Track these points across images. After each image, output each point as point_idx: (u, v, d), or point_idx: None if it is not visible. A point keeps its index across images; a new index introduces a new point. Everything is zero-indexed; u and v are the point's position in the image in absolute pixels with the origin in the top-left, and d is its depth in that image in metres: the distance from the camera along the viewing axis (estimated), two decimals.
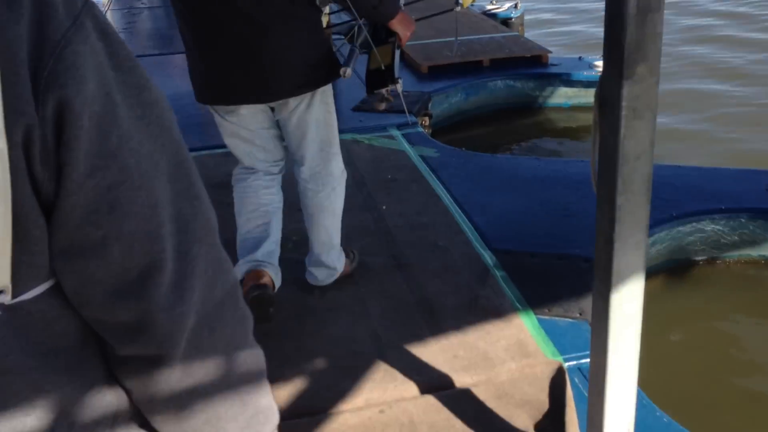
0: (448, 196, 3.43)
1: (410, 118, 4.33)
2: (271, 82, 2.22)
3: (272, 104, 2.34)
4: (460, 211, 3.27)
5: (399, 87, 2.41)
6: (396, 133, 4.29)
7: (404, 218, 3.21)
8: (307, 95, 2.30)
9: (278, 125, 2.44)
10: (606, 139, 1.46)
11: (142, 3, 9.31)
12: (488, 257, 2.90)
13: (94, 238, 0.55)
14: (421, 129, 4.40)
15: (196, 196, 0.65)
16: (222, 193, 3.46)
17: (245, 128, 2.40)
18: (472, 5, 8.01)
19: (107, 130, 0.55)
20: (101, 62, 0.56)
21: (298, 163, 2.48)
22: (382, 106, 2.29)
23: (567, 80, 5.48)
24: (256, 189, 2.54)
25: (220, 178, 3.64)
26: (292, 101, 2.30)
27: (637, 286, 1.53)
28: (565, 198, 3.39)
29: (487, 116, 5.55)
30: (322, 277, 2.67)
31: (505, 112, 5.58)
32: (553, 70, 5.56)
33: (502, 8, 7.86)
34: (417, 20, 2.56)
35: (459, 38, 6.19)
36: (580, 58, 5.77)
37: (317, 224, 2.55)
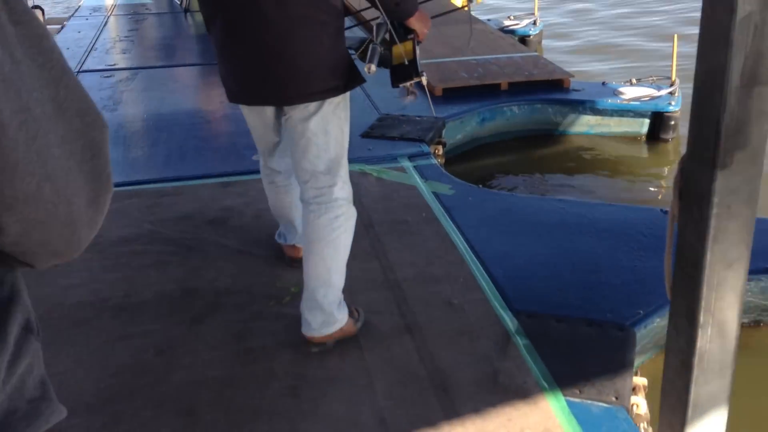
0: (464, 242, 3.11)
1: (434, 117, 4.22)
2: (289, 86, 2.21)
3: (287, 109, 2.29)
4: (476, 261, 2.96)
5: (424, 80, 2.36)
6: (407, 164, 3.99)
7: (415, 269, 2.90)
8: (321, 103, 2.25)
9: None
10: (687, 239, 1.14)
11: (147, 9, 9.05)
12: (509, 320, 2.58)
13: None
14: (434, 160, 4.09)
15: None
16: (218, 230, 3.18)
17: (269, 124, 2.48)
18: (489, 20, 7.74)
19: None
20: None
21: (300, 180, 2.37)
22: (408, 98, 2.38)
23: (590, 107, 5.17)
24: (275, 190, 2.68)
25: (215, 213, 3.36)
26: (303, 107, 2.24)
27: (719, 419, 1.22)
28: (593, 249, 3.08)
29: (505, 144, 5.25)
30: (316, 324, 2.37)
31: (524, 140, 5.28)
32: (576, 96, 5.26)
33: (521, 24, 7.57)
34: (432, 17, 2.53)
35: (476, 57, 5.92)
36: (603, 83, 5.47)
37: (315, 255, 2.34)
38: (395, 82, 2.37)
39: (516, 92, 5.32)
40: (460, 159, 5.00)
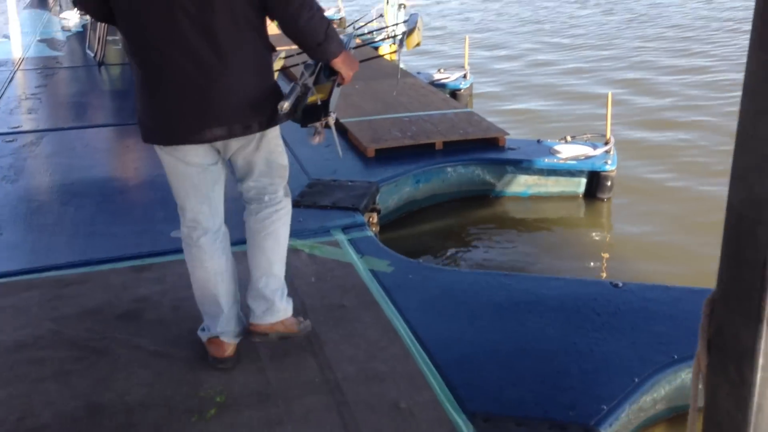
0: (408, 330, 2.87)
1: (367, 181, 4.13)
2: (230, 120, 2.30)
3: (218, 145, 2.39)
4: (423, 352, 2.72)
5: (331, 120, 2.41)
6: (342, 237, 3.74)
7: (356, 365, 2.63)
8: (256, 135, 2.39)
9: (225, 166, 2.51)
10: (721, 405, 0.93)
11: (58, 62, 8.59)
12: (463, 425, 2.34)
13: None
14: (369, 232, 3.86)
15: None
16: (130, 327, 2.82)
17: (190, 164, 2.39)
18: (418, 74, 7.66)
19: None
20: None
21: (242, 182, 2.52)
22: (316, 140, 2.46)
23: (527, 167, 5.08)
24: (201, 256, 2.49)
25: (126, 305, 3.01)
26: (244, 139, 2.38)
27: None
28: (544, 331, 2.89)
29: (441, 206, 5.09)
30: (260, 311, 2.52)
31: (460, 202, 5.13)
32: (512, 155, 5.16)
33: (451, 78, 7.52)
34: (361, 62, 2.63)
35: (409, 114, 5.79)
36: (538, 141, 5.40)
37: (258, 247, 2.52)
38: (303, 122, 2.42)
39: (451, 151, 5.18)
40: (395, 225, 4.80)
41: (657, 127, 6.32)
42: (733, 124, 0.97)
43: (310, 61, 2.45)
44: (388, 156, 5.05)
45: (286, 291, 2.59)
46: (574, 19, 11.47)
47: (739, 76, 5.17)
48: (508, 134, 5.37)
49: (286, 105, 2.30)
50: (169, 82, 2.26)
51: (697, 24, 10.64)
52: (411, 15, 5.56)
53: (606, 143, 5.12)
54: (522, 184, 5.17)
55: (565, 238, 4.88)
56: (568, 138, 5.36)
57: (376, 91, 6.59)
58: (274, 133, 2.46)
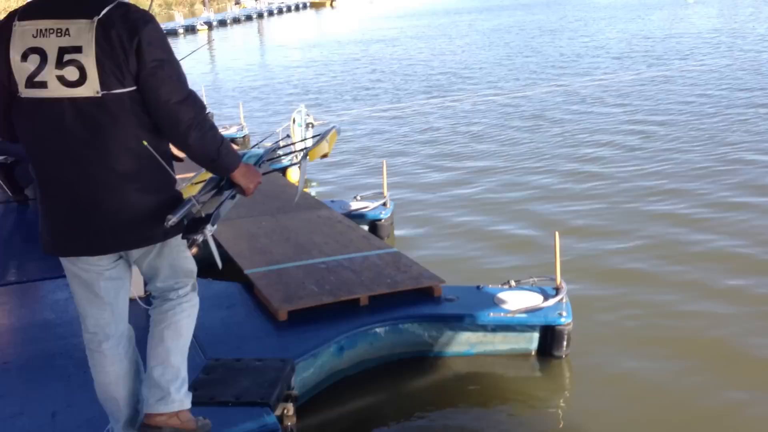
0: None
1: (280, 360, 3.46)
2: (114, 234, 2.45)
3: (131, 253, 2.55)
4: None
5: (208, 232, 2.46)
6: None
7: None
8: (164, 243, 2.55)
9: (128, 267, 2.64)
10: None
11: None
12: None
13: None
14: None
15: None
16: None
17: (90, 272, 2.52)
18: (332, 203, 7.05)
19: None
20: None
21: (148, 284, 2.70)
22: (193, 250, 2.52)
23: (469, 323, 4.43)
24: (103, 362, 2.60)
25: None
26: (146, 249, 2.53)
27: None
28: None
29: (370, 375, 4.35)
30: (153, 399, 2.58)
31: (393, 367, 4.41)
32: (450, 308, 4.51)
33: (370, 207, 6.93)
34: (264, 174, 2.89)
35: (326, 259, 5.11)
36: (478, 287, 4.78)
37: (156, 337, 2.61)
38: (184, 233, 2.48)
39: (379, 307, 4.49)
40: (315, 405, 4.01)
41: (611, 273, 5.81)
42: None
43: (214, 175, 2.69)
44: (304, 319, 4.31)
45: (186, 386, 2.67)
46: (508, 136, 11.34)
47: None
48: (443, 281, 4.74)
49: (173, 220, 2.42)
50: (65, 196, 2.43)
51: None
52: (332, 126, 5.06)
53: (557, 290, 4.56)
54: (465, 342, 4.51)
55: (517, 405, 4.20)
56: (512, 282, 4.78)
57: (285, 229, 5.90)
58: (177, 241, 2.56)
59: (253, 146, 8.60)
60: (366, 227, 6.79)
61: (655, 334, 4.77)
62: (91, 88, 2.33)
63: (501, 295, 4.61)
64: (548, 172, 8.70)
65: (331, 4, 72.90)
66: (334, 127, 4.34)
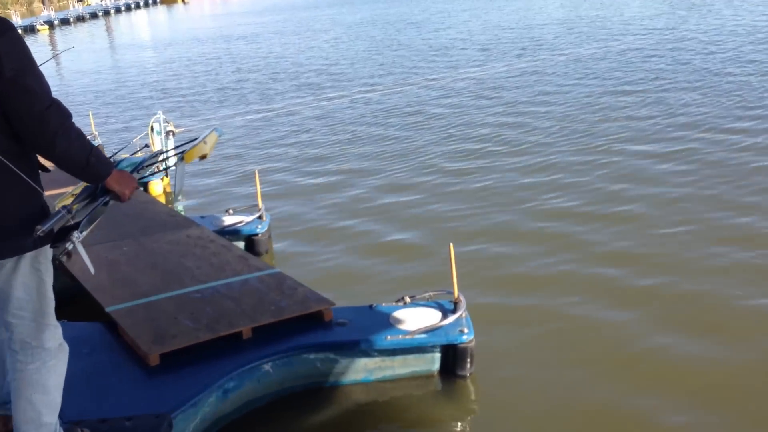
0: None
1: (154, 415, 3.22)
2: None
3: None
4: None
5: (75, 239, 2.53)
6: None
7: None
8: (17, 259, 2.51)
9: None
10: None
11: None
12: None
13: None
14: None
15: None
16: None
17: None
18: (203, 218, 6.57)
19: None
20: None
21: (7, 330, 2.60)
22: (64, 259, 2.52)
23: (366, 348, 4.14)
24: None
25: None
26: None
27: None
28: None
29: (259, 415, 3.96)
30: None
31: (284, 403, 4.05)
32: (343, 333, 4.20)
33: (245, 222, 6.50)
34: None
35: (201, 287, 4.67)
36: (371, 306, 4.51)
37: (24, 399, 2.60)
38: (52, 243, 2.54)
39: (264, 339, 4.11)
40: None
41: (510, 280, 5.65)
42: None
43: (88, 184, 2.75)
44: (180, 361, 3.86)
45: None
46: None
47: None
48: (333, 304, 4.42)
49: (41, 230, 2.45)
50: None
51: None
52: (212, 128, 4.62)
53: (455, 305, 4.36)
54: (362, 369, 4.21)
55: (422, 431, 3.97)
56: (407, 299, 4.53)
57: (151, 254, 5.38)
58: (37, 261, 2.56)
59: (110, 157, 7.93)
60: (242, 244, 6.37)
61: (562, 343, 4.66)
62: None
63: (397, 315, 4.36)
64: (434, 172, 8.51)
65: (183, 1, 70.63)
66: (214, 128, 4.07)
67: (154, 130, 8.57)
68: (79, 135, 2.52)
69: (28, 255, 2.52)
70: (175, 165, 3.54)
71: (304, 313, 4.31)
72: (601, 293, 5.26)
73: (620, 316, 4.95)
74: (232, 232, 6.31)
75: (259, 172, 6.99)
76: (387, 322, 4.29)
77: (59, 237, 2.55)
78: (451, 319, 4.23)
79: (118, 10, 61.02)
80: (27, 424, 2.59)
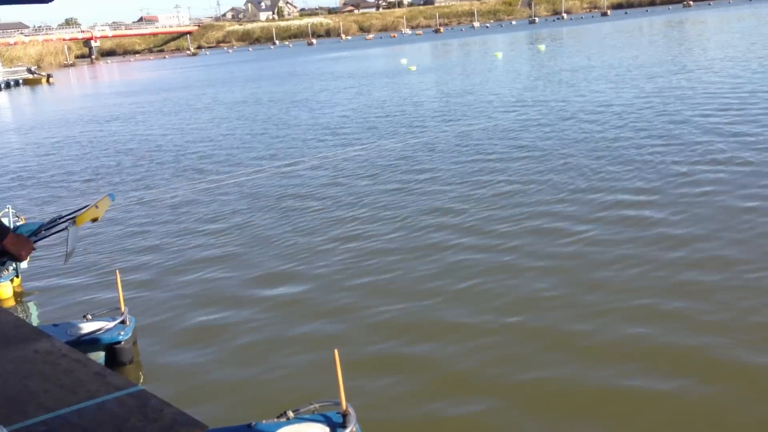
0: None
1: None
2: None
3: None
4: None
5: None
6: None
7: None
8: None
9: None
10: None
11: None
12: None
13: None
14: None
15: None
16: None
17: None
18: (56, 327, 5.95)
19: None
20: None
21: None
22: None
23: None
24: None
25: None
26: None
27: None
28: None
29: None
30: None
31: None
32: None
33: (106, 328, 5.92)
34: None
35: (47, 416, 4.08)
36: (250, 425, 4.08)
37: None
38: None
39: None
40: None
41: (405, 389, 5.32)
42: None
43: None
44: None
45: None
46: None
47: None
48: (205, 426, 3.95)
49: None
50: None
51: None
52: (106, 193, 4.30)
53: (344, 417, 4.00)
54: None
55: None
56: (290, 414, 4.14)
57: None
58: None
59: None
60: (102, 354, 5.79)
61: None
62: None
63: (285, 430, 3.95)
64: (319, 263, 8.19)
65: (47, 81, 68.62)
66: (108, 194, 4.17)
67: None
68: None
69: None
70: (66, 229, 3.46)
71: None
72: (512, 399, 5.04)
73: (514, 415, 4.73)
74: (90, 342, 5.73)
75: (123, 270, 6.47)
76: None
77: None
78: None
79: None
80: None
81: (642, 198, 9.41)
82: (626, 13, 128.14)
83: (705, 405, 4.57)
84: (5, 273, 3.38)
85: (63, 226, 3.72)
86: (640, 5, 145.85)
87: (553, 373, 5.13)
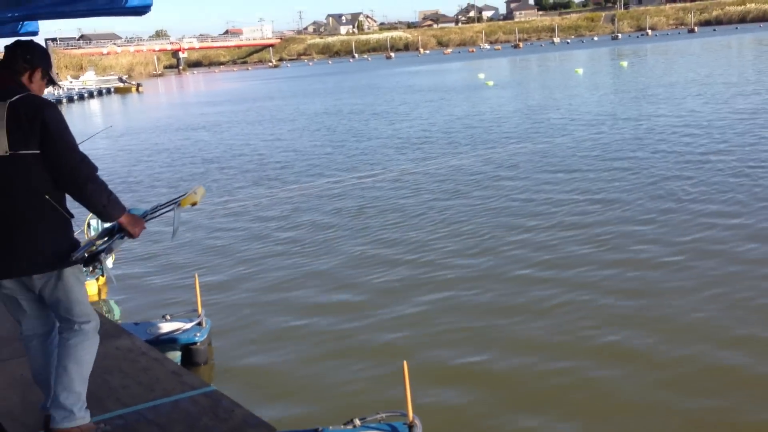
0: None
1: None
2: (20, 263, 3.38)
3: (26, 281, 3.46)
4: None
5: (103, 258, 3.57)
6: None
7: None
8: (54, 274, 3.44)
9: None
10: None
11: None
12: None
13: None
14: None
15: None
16: None
17: (16, 295, 3.54)
18: (136, 325, 6.15)
19: None
20: None
21: (56, 316, 3.61)
22: (92, 272, 3.90)
23: None
24: (35, 357, 3.71)
25: None
26: (44, 276, 3.43)
27: None
28: None
29: None
30: (59, 418, 3.48)
31: None
32: None
33: (182, 329, 6.09)
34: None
35: (124, 410, 4.23)
36: (317, 430, 4.12)
37: (61, 367, 3.50)
38: (85, 263, 3.55)
39: None
40: None
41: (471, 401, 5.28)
42: None
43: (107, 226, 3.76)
44: None
45: (85, 404, 3.62)
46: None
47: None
48: (274, 429, 4.02)
49: (76, 255, 3.44)
50: None
51: None
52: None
53: (410, 428, 4.00)
54: None
55: None
56: (357, 422, 4.17)
57: None
58: (73, 280, 3.50)
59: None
60: (178, 354, 5.95)
61: None
62: (2, 148, 3.34)
63: None
64: (393, 275, 8.23)
65: (137, 90, 71.20)
66: (201, 185, 4.57)
67: (90, 226, 8.20)
68: (102, 182, 3.44)
69: (68, 269, 3.45)
70: (173, 210, 4.00)
71: None
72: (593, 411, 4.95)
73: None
74: (168, 341, 5.90)
75: (202, 272, 6.66)
76: None
77: (90, 260, 3.54)
78: None
79: (71, 100, 61.15)
80: (60, 386, 3.46)
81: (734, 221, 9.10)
82: (714, 30, 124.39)
83: None
84: (95, 269, 3.90)
85: (170, 207, 4.06)
86: (730, 22, 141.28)
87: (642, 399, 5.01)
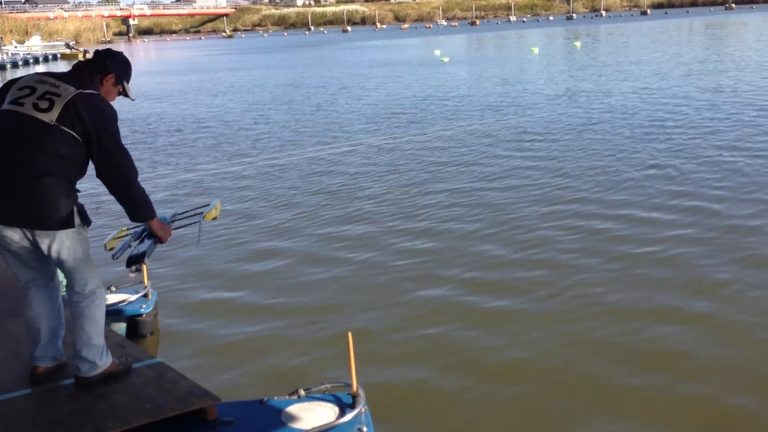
0: None
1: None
2: (25, 216, 3.66)
3: (30, 234, 3.74)
4: None
5: (144, 266, 4.50)
6: None
7: None
8: (63, 232, 3.73)
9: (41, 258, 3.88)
10: None
11: None
12: None
13: None
14: None
15: None
16: None
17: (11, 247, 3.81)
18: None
19: None
20: None
21: (66, 278, 3.92)
22: (133, 275, 4.20)
23: None
24: (32, 302, 4.00)
25: None
26: (44, 236, 3.73)
27: None
28: None
29: None
30: (85, 369, 3.97)
31: None
32: None
33: (128, 300, 6.06)
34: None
35: (67, 381, 4.21)
36: (262, 401, 4.17)
37: (77, 326, 3.92)
38: (128, 264, 4.10)
39: None
40: None
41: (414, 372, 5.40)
42: None
43: (138, 228, 4.33)
44: None
45: (104, 351, 4.04)
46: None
47: None
48: (218, 399, 4.06)
49: (118, 256, 4.26)
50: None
51: None
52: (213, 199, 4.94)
53: (354, 398, 4.07)
54: None
55: None
56: (302, 392, 4.22)
57: (15, 342, 4.87)
58: (76, 241, 3.79)
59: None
60: (123, 326, 5.93)
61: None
62: (50, 117, 3.62)
63: (290, 410, 4.04)
64: (343, 247, 8.30)
65: (84, 57, 69.36)
66: (218, 199, 4.96)
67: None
68: (142, 189, 3.91)
69: (72, 231, 3.73)
70: (198, 222, 4.63)
71: (184, 412, 3.92)
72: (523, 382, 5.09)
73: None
74: (113, 312, 5.85)
75: None
76: (279, 420, 3.96)
77: (132, 261, 4.04)
78: (350, 416, 3.94)
79: (15, 65, 59.36)
80: (81, 345, 3.89)
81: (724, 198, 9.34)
82: (666, 13, 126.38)
83: None
84: (138, 271, 4.33)
85: (196, 219, 4.59)
86: (681, 5, 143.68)
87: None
